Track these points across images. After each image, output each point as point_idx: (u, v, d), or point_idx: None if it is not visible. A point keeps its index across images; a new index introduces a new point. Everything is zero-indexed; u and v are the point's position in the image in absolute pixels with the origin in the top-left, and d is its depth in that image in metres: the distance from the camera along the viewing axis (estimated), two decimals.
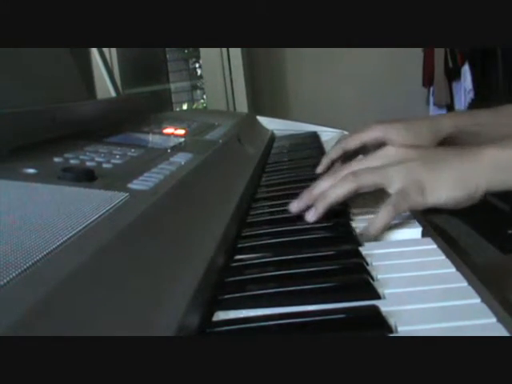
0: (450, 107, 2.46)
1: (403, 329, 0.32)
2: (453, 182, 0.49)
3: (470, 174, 0.49)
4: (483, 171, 0.49)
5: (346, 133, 1.16)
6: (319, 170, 0.73)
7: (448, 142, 0.72)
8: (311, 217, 0.52)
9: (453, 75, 2.41)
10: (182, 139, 0.73)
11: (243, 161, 0.80)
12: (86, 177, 0.42)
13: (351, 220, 0.54)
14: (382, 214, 0.49)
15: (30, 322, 0.22)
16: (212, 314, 0.36)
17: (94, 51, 1.15)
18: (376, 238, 0.49)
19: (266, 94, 2.69)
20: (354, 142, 0.71)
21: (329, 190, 0.52)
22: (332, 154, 0.73)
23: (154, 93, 2.48)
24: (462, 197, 0.49)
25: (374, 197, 0.56)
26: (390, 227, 0.51)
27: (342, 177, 0.53)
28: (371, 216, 0.54)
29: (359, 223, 0.53)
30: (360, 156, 0.60)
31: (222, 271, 0.43)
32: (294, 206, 0.55)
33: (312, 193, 0.55)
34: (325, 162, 0.73)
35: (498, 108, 0.74)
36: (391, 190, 0.51)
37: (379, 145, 0.66)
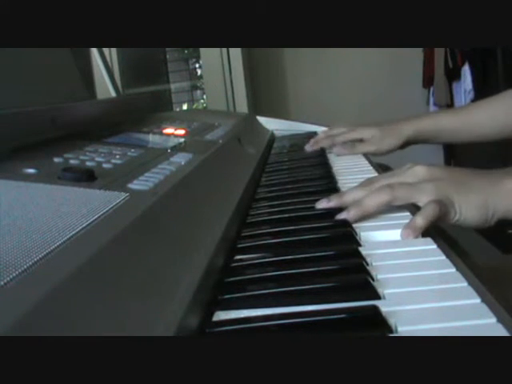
0: (450, 107, 2.46)
1: (403, 329, 0.32)
2: (477, 204, 0.51)
3: (490, 199, 0.51)
4: (502, 200, 0.51)
5: None
6: (309, 148, 0.96)
7: (412, 142, 0.94)
8: (341, 216, 0.52)
9: (453, 75, 2.41)
10: (182, 139, 0.73)
11: (243, 161, 0.80)
12: (86, 177, 0.42)
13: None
14: (429, 207, 0.49)
15: (30, 322, 0.22)
16: (212, 314, 0.36)
17: (94, 51, 1.15)
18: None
19: (265, 94, 2.69)
20: (341, 139, 0.96)
21: (364, 198, 0.53)
22: (322, 143, 0.97)
23: (153, 93, 2.48)
24: (480, 220, 0.51)
25: None
26: (390, 227, 0.51)
27: (377, 188, 0.54)
28: (371, 217, 0.54)
29: (359, 223, 0.53)
30: (389, 172, 0.63)
31: (222, 271, 0.43)
32: (322, 204, 0.56)
33: (343, 198, 0.56)
34: (315, 147, 0.96)
35: (458, 109, 0.81)
36: (422, 204, 0.52)
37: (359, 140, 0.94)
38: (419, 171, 0.56)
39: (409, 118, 0.96)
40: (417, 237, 0.48)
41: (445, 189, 0.52)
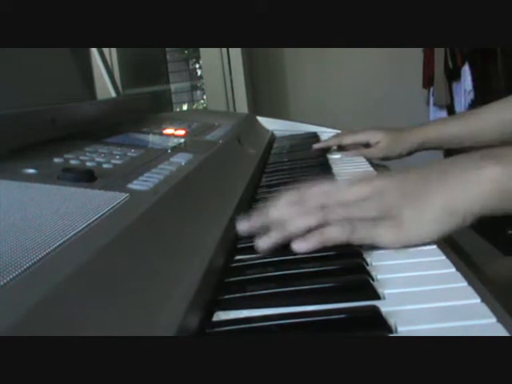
0: (450, 107, 2.46)
1: (403, 329, 0.32)
2: (436, 213, 0.43)
3: (459, 200, 0.42)
4: (476, 195, 0.42)
5: None
6: (316, 146, 0.99)
7: (419, 150, 0.93)
8: (264, 243, 0.45)
9: (453, 75, 2.41)
10: (182, 140, 0.73)
11: (243, 161, 0.80)
12: (86, 177, 0.42)
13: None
14: (309, 238, 0.44)
15: (30, 322, 0.22)
16: (212, 314, 0.36)
17: (94, 51, 1.15)
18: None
19: (265, 94, 2.69)
20: (348, 141, 0.98)
21: (289, 221, 0.45)
22: (329, 142, 1.01)
23: (154, 93, 2.48)
24: (448, 226, 0.43)
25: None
26: None
27: (308, 208, 0.46)
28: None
29: None
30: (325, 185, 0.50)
31: (222, 271, 0.43)
32: (243, 226, 0.48)
33: (264, 216, 0.48)
34: (322, 146, 1.00)
35: (466, 114, 0.79)
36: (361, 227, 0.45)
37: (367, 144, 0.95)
38: (361, 186, 0.47)
39: (416, 126, 0.95)
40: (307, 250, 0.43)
41: (389, 204, 0.44)
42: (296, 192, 0.49)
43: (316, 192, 0.48)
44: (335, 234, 0.44)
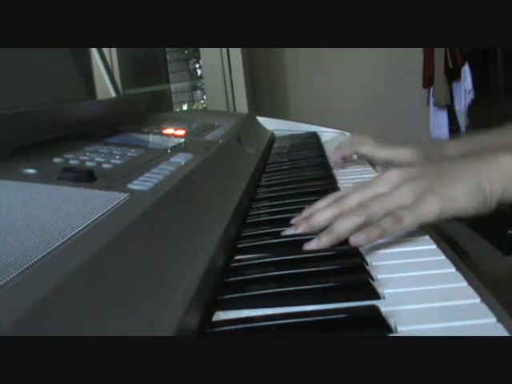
0: (450, 108, 2.46)
1: (403, 329, 0.32)
2: (466, 191, 0.46)
3: (483, 180, 0.46)
4: (497, 177, 0.46)
5: (346, 133, 1.16)
6: (336, 156, 0.84)
7: None
8: (313, 247, 0.46)
9: (453, 75, 2.41)
10: (182, 139, 0.73)
11: (243, 161, 0.80)
12: (86, 177, 0.42)
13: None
14: (367, 231, 0.45)
15: (30, 322, 0.22)
16: (212, 314, 0.36)
17: (94, 51, 1.15)
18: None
19: (265, 94, 2.69)
20: (382, 154, 0.79)
21: (335, 223, 0.47)
22: (347, 151, 0.84)
23: (154, 93, 2.48)
24: (475, 206, 0.46)
25: None
26: None
27: (349, 208, 0.49)
28: None
29: None
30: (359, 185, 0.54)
31: (221, 271, 0.43)
32: (289, 232, 0.50)
33: (312, 223, 0.50)
34: (336, 155, 0.84)
35: (500, 130, 0.74)
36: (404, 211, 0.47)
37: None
38: (391, 177, 0.50)
39: (448, 140, 0.84)
40: (364, 244, 0.45)
41: (423, 185, 0.47)
42: (332, 196, 0.53)
43: (351, 192, 0.51)
44: (384, 226, 0.46)
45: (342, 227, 0.47)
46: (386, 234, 0.46)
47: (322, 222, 0.49)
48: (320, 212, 0.50)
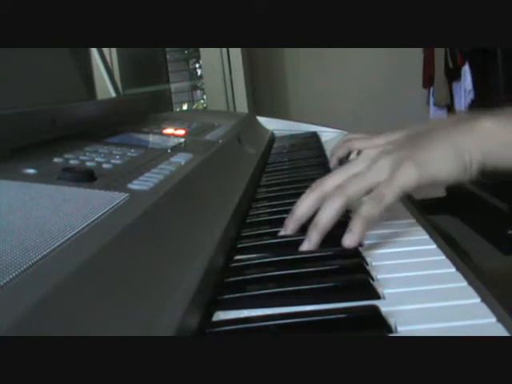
0: (450, 107, 2.46)
1: (403, 329, 0.32)
2: (444, 155, 0.45)
3: (462, 144, 0.45)
4: (475, 140, 0.45)
5: (346, 133, 1.16)
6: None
7: None
8: (307, 248, 0.46)
9: (453, 75, 2.41)
10: (182, 139, 0.73)
11: (243, 161, 0.80)
12: (86, 177, 0.42)
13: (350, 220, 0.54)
14: (363, 207, 0.45)
15: (30, 322, 0.22)
16: (212, 314, 0.36)
17: (94, 51, 1.15)
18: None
19: (265, 94, 2.69)
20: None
21: (317, 215, 0.47)
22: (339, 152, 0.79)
23: (154, 93, 2.48)
24: (455, 171, 0.45)
25: None
26: (390, 227, 0.51)
27: (329, 189, 0.48)
28: None
29: None
30: (338, 168, 0.54)
31: (221, 271, 0.43)
32: (281, 233, 0.50)
33: (295, 216, 0.50)
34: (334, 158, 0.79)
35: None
36: (385, 183, 0.46)
37: None
38: (367, 154, 0.50)
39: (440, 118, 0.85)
40: (359, 241, 0.45)
41: (398, 156, 0.46)
42: (313, 184, 0.51)
43: (330, 175, 0.51)
44: (369, 210, 0.45)
45: (324, 216, 0.46)
46: (371, 218, 0.45)
47: (306, 210, 0.49)
48: (301, 201, 0.50)
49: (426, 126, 0.50)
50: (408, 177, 0.45)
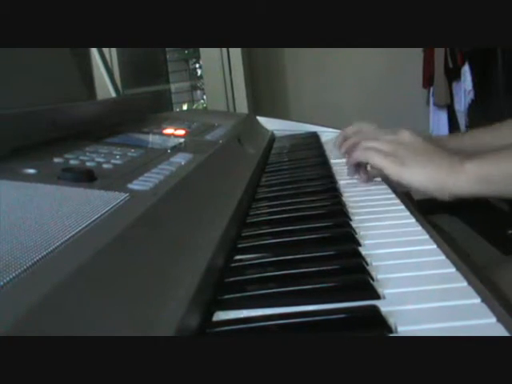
0: (450, 107, 2.46)
1: (403, 329, 0.32)
2: (430, 176, 0.59)
3: (442, 177, 0.58)
4: (455, 180, 0.57)
5: None
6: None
7: None
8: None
9: (453, 75, 2.41)
10: (182, 139, 0.73)
11: (243, 161, 0.80)
12: (86, 177, 0.42)
13: (350, 220, 0.54)
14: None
15: (30, 322, 0.22)
16: (212, 314, 0.36)
17: (94, 51, 1.15)
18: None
19: (265, 94, 2.69)
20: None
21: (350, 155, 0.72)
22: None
23: (154, 93, 2.48)
24: (431, 189, 0.59)
25: (373, 196, 0.55)
26: (390, 227, 0.51)
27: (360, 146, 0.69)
28: (371, 216, 0.54)
29: (359, 223, 0.53)
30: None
31: (221, 271, 0.43)
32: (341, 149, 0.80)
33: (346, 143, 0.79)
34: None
35: (496, 126, 0.77)
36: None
37: None
38: (390, 136, 0.67)
39: (443, 136, 0.94)
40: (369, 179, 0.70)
41: (402, 152, 0.62)
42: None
43: (376, 135, 0.73)
44: (377, 147, 0.65)
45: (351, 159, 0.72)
46: (375, 151, 0.65)
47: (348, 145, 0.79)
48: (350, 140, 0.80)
49: (424, 144, 0.63)
50: (387, 169, 0.62)
